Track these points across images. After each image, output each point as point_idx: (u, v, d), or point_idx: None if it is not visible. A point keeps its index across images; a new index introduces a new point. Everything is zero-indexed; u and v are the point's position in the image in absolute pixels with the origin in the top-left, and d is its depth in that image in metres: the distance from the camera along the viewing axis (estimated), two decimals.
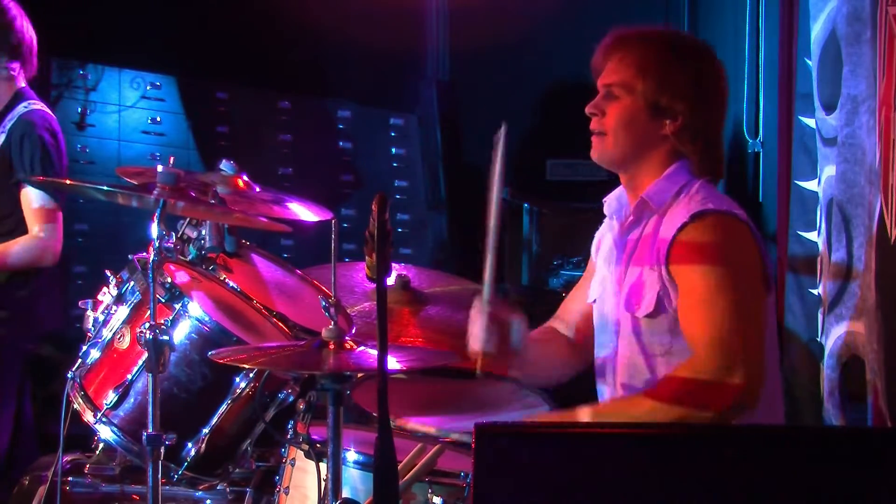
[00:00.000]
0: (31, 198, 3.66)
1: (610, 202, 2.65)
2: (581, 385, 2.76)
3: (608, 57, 2.56)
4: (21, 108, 3.70)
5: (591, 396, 2.62)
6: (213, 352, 2.46)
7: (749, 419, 2.36)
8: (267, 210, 3.04)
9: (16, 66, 3.72)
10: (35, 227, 3.65)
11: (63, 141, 3.78)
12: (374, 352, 2.01)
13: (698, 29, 5.02)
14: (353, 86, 5.44)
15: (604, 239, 2.71)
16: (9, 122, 3.67)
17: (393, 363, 2.34)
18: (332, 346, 2.33)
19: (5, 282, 3.66)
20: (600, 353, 2.62)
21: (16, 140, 3.65)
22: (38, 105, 3.75)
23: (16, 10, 3.72)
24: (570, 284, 4.52)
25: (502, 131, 2.33)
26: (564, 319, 2.82)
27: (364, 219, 1.96)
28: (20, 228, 3.67)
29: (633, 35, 2.56)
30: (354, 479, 2.56)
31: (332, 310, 2.40)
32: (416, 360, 2.57)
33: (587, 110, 2.56)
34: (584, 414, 2.37)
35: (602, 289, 2.63)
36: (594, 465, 1.71)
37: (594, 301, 2.67)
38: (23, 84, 3.75)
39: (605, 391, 2.60)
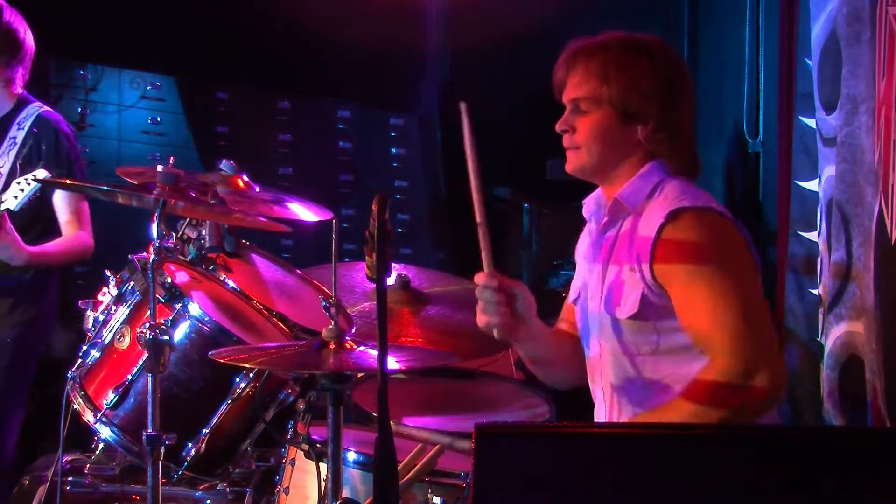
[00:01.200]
0: (67, 198, 3.67)
1: (588, 204, 2.64)
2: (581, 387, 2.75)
3: (569, 71, 2.53)
4: (35, 108, 3.69)
5: (589, 397, 2.61)
6: (213, 352, 2.46)
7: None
8: (267, 210, 3.04)
9: (19, 71, 3.73)
10: (75, 227, 3.67)
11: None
12: (374, 352, 2.01)
13: (699, 29, 5.02)
14: (353, 86, 5.44)
15: (584, 238, 2.70)
16: (26, 121, 3.65)
17: (393, 363, 2.34)
18: (332, 346, 2.33)
19: (28, 284, 3.66)
20: (588, 354, 2.61)
21: (49, 137, 3.64)
22: (46, 107, 3.76)
23: (19, 24, 3.72)
24: (569, 284, 4.52)
25: (464, 107, 2.34)
26: (569, 322, 2.81)
27: (364, 219, 1.96)
28: (36, 226, 3.68)
29: (591, 45, 2.53)
30: (354, 479, 2.56)
31: (332, 310, 2.40)
32: (416, 360, 2.58)
33: (557, 128, 2.54)
34: None
35: (583, 290, 2.62)
36: (594, 465, 1.71)
37: (574, 302, 2.67)
38: (20, 90, 3.75)
39: (596, 392, 2.60)
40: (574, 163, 2.54)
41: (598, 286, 2.53)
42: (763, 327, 2.35)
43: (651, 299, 2.40)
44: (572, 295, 2.68)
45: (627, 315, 2.42)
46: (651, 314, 2.40)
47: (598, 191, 2.61)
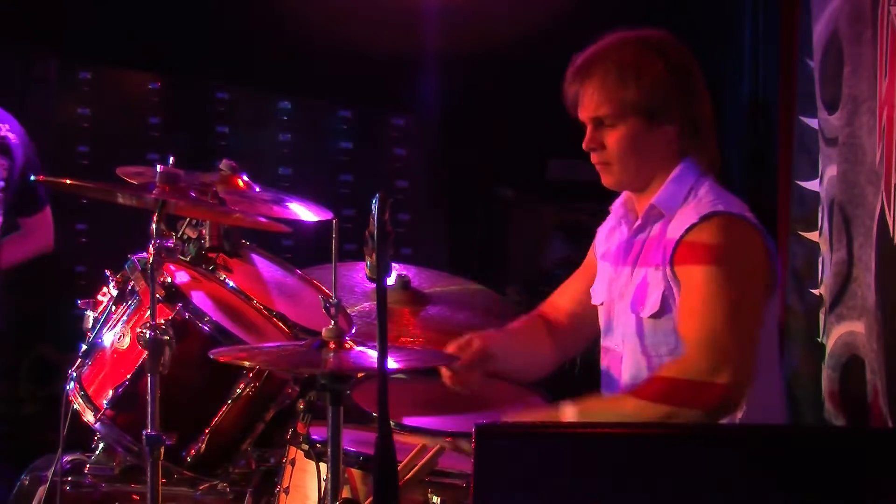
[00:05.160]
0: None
1: (616, 209, 2.63)
2: (582, 388, 2.75)
3: (583, 84, 2.49)
4: None
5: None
6: (213, 352, 2.46)
7: (750, 419, 2.36)
8: (267, 210, 3.04)
9: None
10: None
11: (16, 134, 3.74)
12: (374, 352, 2.01)
13: (698, 29, 5.01)
14: (353, 86, 5.44)
15: (609, 238, 2.69)
16: None
17: (393, 363, 2.34)
18: (332, 346, 2.33)
19: None
20: (605, 355, 2.61)
21: None
22: None
23: None
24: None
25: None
26: (556, 306, 2.81)
27: (364, 219, 1.96)
28: None
29: (601, 53, 2.49)
30: (354, 479, 2.56)
31: (332, 310, 2.40)
32: (416, 360, 2.57)
33: (585, 147, 2.51)
34: (569, 411, 2.36)
35: (609, 292, 2.61)
36: (594, 465, 1.71)
37: (601, 304, 2.65)
38: None
39: (607, 394, 2.59)
40: (610, 180, 2.52)
41: (625, 287, 2.52)
42: (744, 339, 2.32)
43: (671, 298, 2.40)
44: (597, 298, 2.67)
45: (650, 313, 2.43)
46: (671, 313, 2.40)
47: (625, 194, 2.60)
